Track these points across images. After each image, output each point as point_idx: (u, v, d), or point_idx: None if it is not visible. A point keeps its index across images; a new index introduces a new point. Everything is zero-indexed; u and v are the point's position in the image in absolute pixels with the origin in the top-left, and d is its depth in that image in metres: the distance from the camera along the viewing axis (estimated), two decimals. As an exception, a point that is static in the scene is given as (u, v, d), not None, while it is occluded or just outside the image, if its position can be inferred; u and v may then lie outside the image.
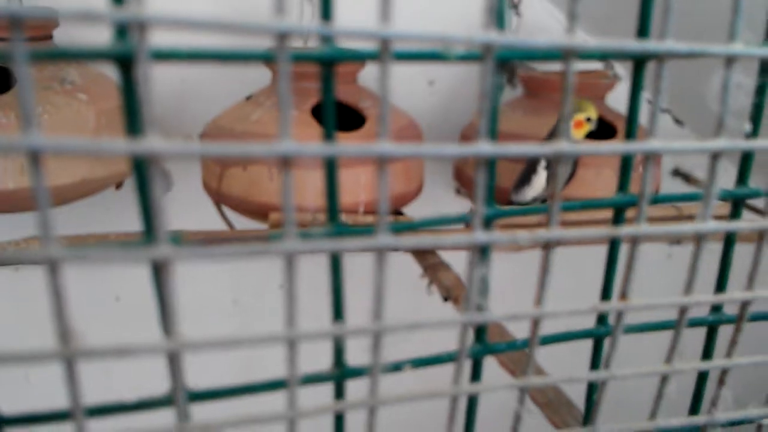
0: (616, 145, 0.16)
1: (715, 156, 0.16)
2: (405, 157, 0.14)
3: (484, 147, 0.14)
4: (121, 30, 0.12)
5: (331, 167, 0.15)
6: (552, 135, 0.72)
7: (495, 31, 0.14)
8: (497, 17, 0.15)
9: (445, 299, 0.75)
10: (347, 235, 0.15)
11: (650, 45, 0.16)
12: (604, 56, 0.16)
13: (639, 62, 0.17)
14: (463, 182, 1.00)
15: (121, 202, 0.87)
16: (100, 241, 0.62)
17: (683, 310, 0.17)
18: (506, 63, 1.14)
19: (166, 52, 0.12)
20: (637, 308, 0.17)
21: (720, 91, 0.15)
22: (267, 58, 0.13)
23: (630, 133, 0.18)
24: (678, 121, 1.09)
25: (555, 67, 0.94)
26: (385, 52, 0.13)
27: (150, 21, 0.12)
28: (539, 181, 0.74)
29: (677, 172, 1.03)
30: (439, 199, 1.10)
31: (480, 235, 0.15)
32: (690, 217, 0.78)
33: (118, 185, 0.82)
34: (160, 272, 0.13)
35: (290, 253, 0.13)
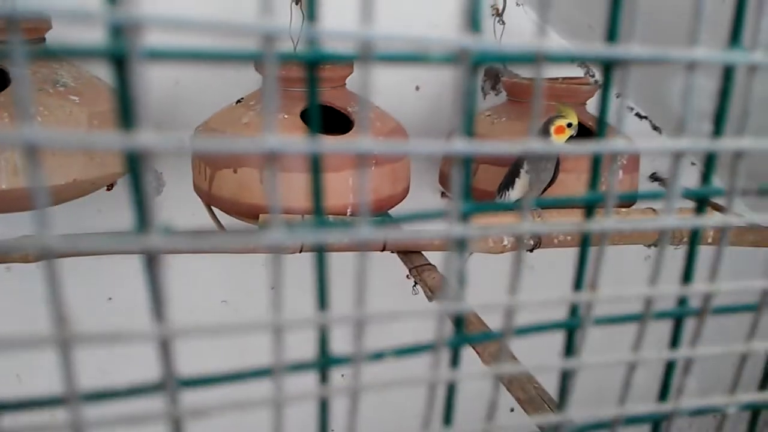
0: (584, 146, 0.17)
1: (678, 155, 0.17)
2: (388, 155, 0.15)
3: (460, 145, 0.15)
4: (116, 30, 0.13)
5: (315, 164, 0.16)
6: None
7: (471, 34, 0.15)
8: (473, 21, 0.16)
9: (431, 300, 0.76)
10: (331, 228, 0.16)
11: (616, 50, 0.16)
12: (575, 60, 0.17)
13: (607, 66, 0.18)
14: (447, 186, 1.01)
15: (112, 203, 0.88)
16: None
17: (649, 302, 0.18)
18: (490, 70, 1.16)
19: (159, 51, 0.13)
20: (606, 300, 0.18)
21: (683, 94, 0.16)
22: (254, 58, 0.14)
23: (600, 134, 0.19)
24: (656, 128, 1.12)
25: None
26: (366, 53, 0.14)
27: (144, 21, 0.12)
28: (522, 183, 0.76)
29: (654, 177, 1.05)
30: (424, 202, 1.12)
31: (456, 229, 0.16)
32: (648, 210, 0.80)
33: (110, 186, 0.83)
34: (152, 262, 0.14)
35: (276, 244, 0.14)
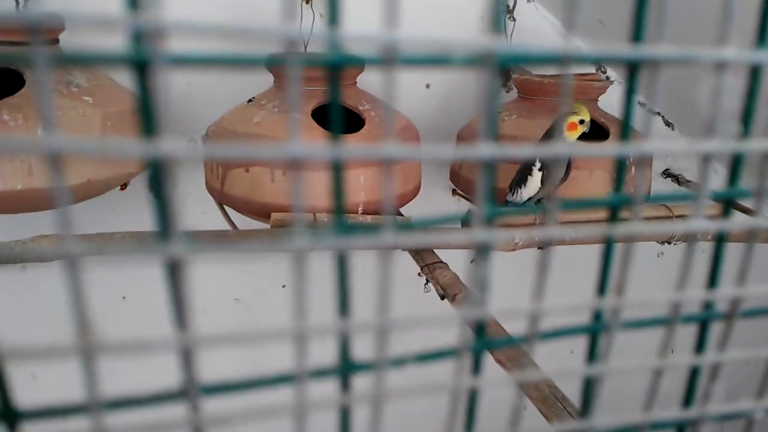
0: (611, 147, 0.17)
1: (706, 158, 0.16)
2: (407, 159, 0.15)
3: (485, 149, 0.15)
4: (137, 36, 0.13)
5: (337, 169, 0.16)
6: (547, 137, 0.73)
7: (495, 37, 0.15)
8: (496, 23, 0.16)
9: (442, 297, 0.76)
10: (353, 233, 0.15)
11: (644, 51, 0.16)
12: (601, 61, 0.17)
13: (633, 67, 0.18)
14: (458, 183, 1.01)
15: (125, 203, 0.88)
16: (107, 240, 0.62)
17: (676, 307, 0.18)
18: (501, 67, 1.15)
19: (181, 57, 0.13)
20: (633, 305, 0.18)
21: (711, 95, 0.16)
22: (276, 64, 0.14)
23: (624, 135, 0.18)
24: (668, 124, 1.11)
25: (549, 70, 0.95)
26: (390, 57, 0.13)
27: (166, 27, 0.12)
28: (534, 182, 0.75)
29: (667, 173, 1.04)
30: (435, 200, 1.11)
31: (481, 234, 0.16)
32: (680, 217, 0.79)
33: (123, 186, 0.83)
34: (174, 270, 0.14)
35: (300, 250, 0.14)
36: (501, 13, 0.15)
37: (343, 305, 0.17)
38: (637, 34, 0.18)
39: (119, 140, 0.13)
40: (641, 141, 0.18)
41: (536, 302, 0.17)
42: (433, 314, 0.16)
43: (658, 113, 1.12)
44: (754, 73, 0.18)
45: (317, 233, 0.15)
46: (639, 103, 1.20)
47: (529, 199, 0.76)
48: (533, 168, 0.74)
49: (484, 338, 0.19)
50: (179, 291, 0.14)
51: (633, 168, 0.84)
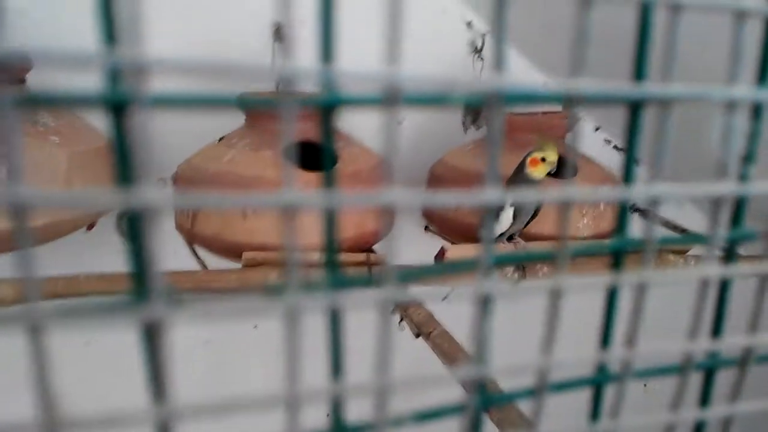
0: (614, 190, 0.16)
1: (717, 202, 0.16)
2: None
3: (491, 194, 0.14)
4: (113, 73, 0.12)
5: (330, 220, 0.14)
6: (516, 173, 0.73)
7: (499, 76, 0.14)
8: (499, 63, 0.15)
9: (417, 335, 0.74)
10: (347, 286, 0.14)
11: (649, 90, 0.15)
12: (605, 100, 0.16)
13: (635, 107, 0.17)
14: (431, 220, 1.00)
15: (92, 243, 0.85)
16: (72, 282, 0.59)
17: (688, 357, 0.17)
18: (471, 104, 1.16)
19: (164, 98, 0.12)
20: (643, 356, 0.17)
21: (721, 136, 0.15)
22: (271, 106, 0.12)
23: (628, 178, 0.18)
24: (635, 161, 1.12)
25: (518, 108, 0.96)
26: (393, 96, 0.12)
27: (149, 65, 0.11)
28: (506, 217, 0.75)
29: (635, 209, 1.05)
30: (408, 236, 1.10)
31: (485, 285, 0.15)
32: (661, 252, 0.79)
33: (90, 226, 0.80)
34: (152, 334, 0.12)
35: (293, 308, 0.13)
36: (504, 51, 0.14)
37: (337, 365, 0.15)
38: (639, 73, 0.17)
39: (92, 189, 0.11)
40: (621, 183, 0.17)
41: (544, 356, 0.16)
42: (437, 375, 0.15)
43: (624, 150, 1.14)
44: (756, 111, 0.18)
45: (310, 286, 0.13)
46: (605, 140, 1.22)
47: (501, 234, 0.75)
48: (505, 204, 0.74)
49: (486, 393, 0.18)
50: (157, 357, 0.12)
51: (602, 204, 0.84)
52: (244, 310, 0.12)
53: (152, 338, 0.12)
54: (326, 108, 0.14)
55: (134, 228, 0.12)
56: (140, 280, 0.12)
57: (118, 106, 0.11)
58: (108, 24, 0.11)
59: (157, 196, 0.11)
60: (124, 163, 0.12)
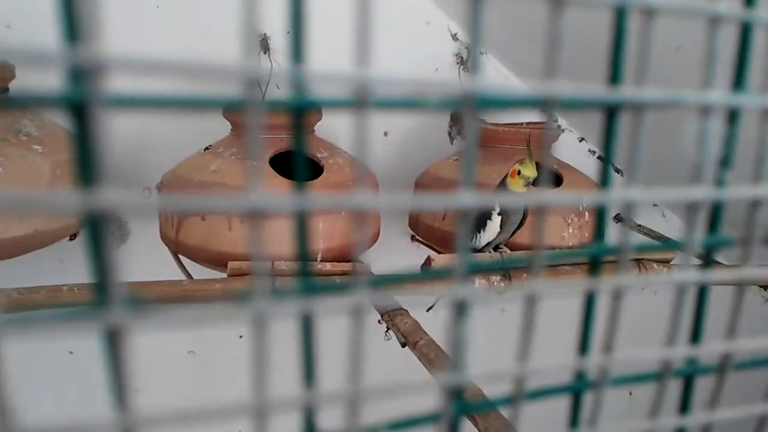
0: (590, 194, 0.16)
1: (693, 206, 0.16)
2: (379, 208, 0.13)
3: (466, 197, 0.14)
4: (75, 73, 0.11)
5: (301, 222, 0.14)
6: (502, 183, 0.73)
7: (474, 79, 0.14)
8: (474, 65, 0.15)
9: (404, 345, 0.74)
10: (319, 292, 0.14)
11: (626, 94, 0.15)
12: (581, 105, 0.16)
13: (611, 111, 0.17)
14: (417, 230, 1.00)
15: (75, 253, 0.84)
16: (55, 292, 0.58)
17: (667, 364, 0.17)
18: (456, 115, 1.17)
19: (124, 98, 0.11)
20: (622, 362, 0.16)
21: (697, 139, 0.15)
22: (234, 107, 0.12)
23: (605, 182, 0.18)
24: (617, 170, 1.13)
25: (504, 119, 0.97)
26: (363, 98, 0.12)
27: (108, 64, 0.11)
28: (493, 227, 0.75)
29: (618, 218, 1.06)
30: (394, 246, 1.10)
31: (460, 290, 0.15)
32: (636, 260, 0.79)
33: (72, 236, 0.79)
34: (114, 341, 0.12)
35: (261, 314, 0.12)
36: (478, 54, 0.14)
37: (309, 373, 0.15)
38: (614, 77, 0.17)
39: (59, 190, 0.11)
40: (601, 190, 0.17)
41: (521, 363, 0.16)
42: (410, 382, 0.14)
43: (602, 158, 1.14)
44: (732, 116, 0.18)
45: (280, 292, 0.13)
46: (590, 150, 1.23)
47: (488, 244, 0.75)
48: (492, 213, 0.74)
49: (463, 401, 0.18)
50: (119, 365, 0.12)
51: (587, 213, 0.85)
52: (208, 317, 0.12)
53: (114, 345, 0.12)
54: (296, 110, 0.14)
55: (94, 231, 0.12)
56: (100, 285, 0.12)
57: (77, 106, 0.11)
58: (69, 21, 0.11)
59: (117, 198, 0.11)
60: (85, 165, 0.12)
